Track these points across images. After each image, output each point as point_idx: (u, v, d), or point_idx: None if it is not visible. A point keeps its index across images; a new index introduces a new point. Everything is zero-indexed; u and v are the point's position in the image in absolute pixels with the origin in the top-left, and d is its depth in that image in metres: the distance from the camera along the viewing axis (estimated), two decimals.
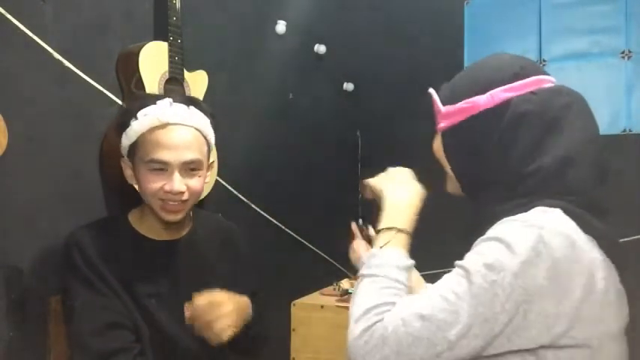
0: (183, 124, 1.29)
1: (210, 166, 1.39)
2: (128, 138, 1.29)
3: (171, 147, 1.26)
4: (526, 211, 0.89)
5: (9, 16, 1.30)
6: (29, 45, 1.36)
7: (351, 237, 1.36)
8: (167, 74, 1.58)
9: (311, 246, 2.49)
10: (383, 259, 0.96)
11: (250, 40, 2.18)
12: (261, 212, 2.17)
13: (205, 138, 1.33)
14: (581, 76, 2.44)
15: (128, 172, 1.33)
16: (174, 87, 1.59)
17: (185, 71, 1.65)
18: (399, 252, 0.98)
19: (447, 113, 1.00)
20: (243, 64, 2.14)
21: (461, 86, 1.01)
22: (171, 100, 1.30)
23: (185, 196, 1.29)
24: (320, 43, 2.57)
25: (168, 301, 1.33)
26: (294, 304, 2.12)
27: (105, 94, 1.53)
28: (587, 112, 0.96)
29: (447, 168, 1.05)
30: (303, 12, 2.47)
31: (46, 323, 1.37)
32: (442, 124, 1.01)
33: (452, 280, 0.86)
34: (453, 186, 1.06)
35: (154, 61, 1.55)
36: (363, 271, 0.97)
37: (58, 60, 1.42)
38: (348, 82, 2.78)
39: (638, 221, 2.31)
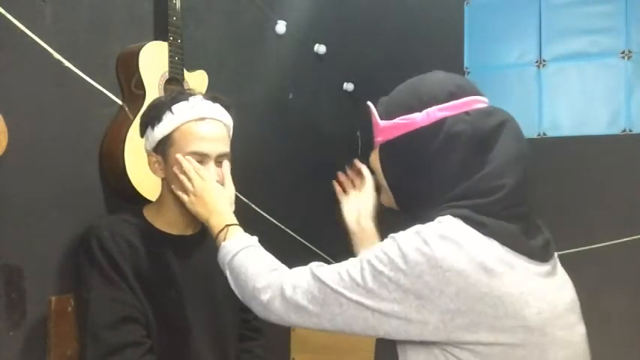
0: (215, 119, 1.35)
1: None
2: (161, 131, 1.32)
3: (209, 140, 1.32)
4: (432, 220, 0.93)
5: (9, 16, 1.30)
6: (29, 45, 1.35)
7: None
8: (167, 74, 1.59)
9: (310, 246, 2.49)
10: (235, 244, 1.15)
11: (250, 40, 2.18)
12: (261, 212, 2.17)
13: (229, 133, 1.40)
14: (581, 76, 2.44)
15: (156, 166, 1.36)
16: (174, 87, 1.59)
17: (185, 71, 1.65)
18: (242, 236, 1.19)
19: (385, 128, 1.02)
20: (243, 64, 2.14)
21: (398, 102, 1.03)
22: (201, 95, 1.36)
23: None
24: (320, 43, 2.57)
25: (183, 296, 1.35)
26: None
27: (105, 94, 1.53)
28: (518, 132, 0.99)
29: (383, 181, 1.07)
30: (303, 12, 2.47)
31: (46, 323, 1.37)
32: (379, 138, 1.04)
33: (351, 263, 0.97)
34: (387, 199, 1.09)
35: (153, 61, 1.55)
36: (229, 256, 1.13)
37: (58, 60, 1.42)
38: (348, 82, 2.78)
39: (638, 221, 2.32)
